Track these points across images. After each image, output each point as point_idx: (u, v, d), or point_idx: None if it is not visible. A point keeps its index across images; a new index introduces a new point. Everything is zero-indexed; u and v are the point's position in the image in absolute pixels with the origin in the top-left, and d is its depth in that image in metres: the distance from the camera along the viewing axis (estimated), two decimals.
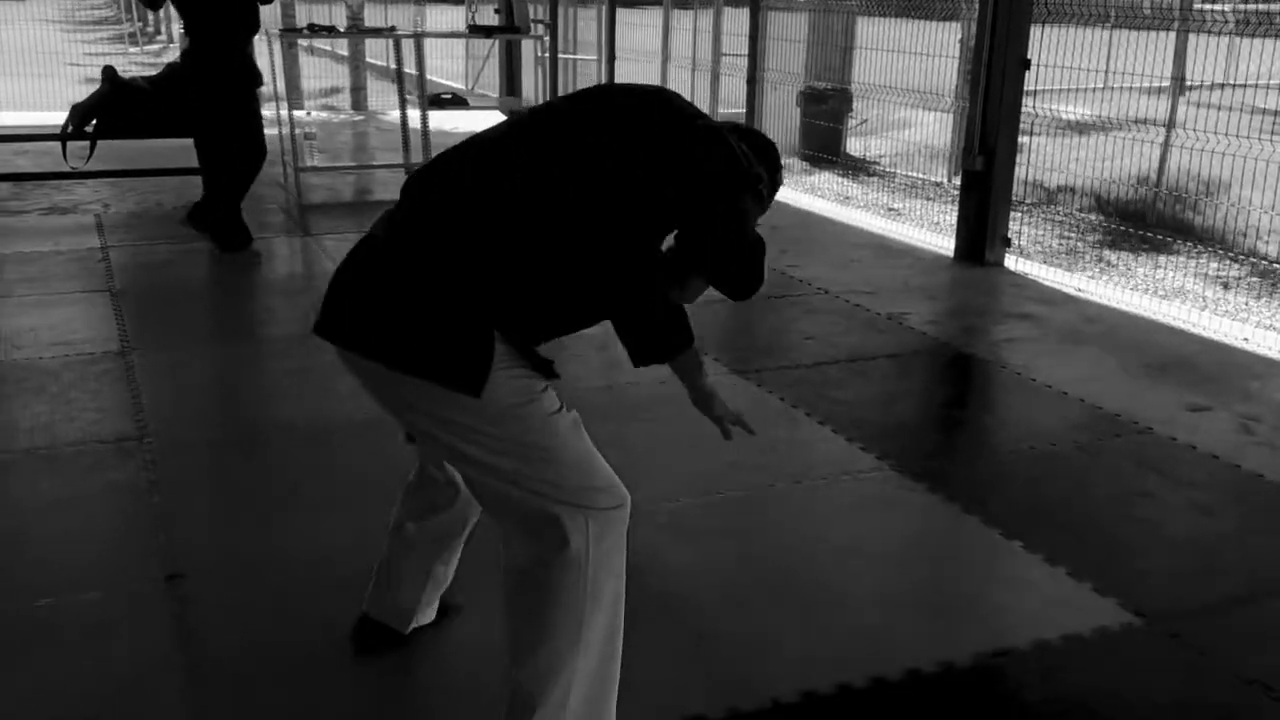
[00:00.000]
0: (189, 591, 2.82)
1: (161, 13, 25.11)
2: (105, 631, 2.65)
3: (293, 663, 2.54)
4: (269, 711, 2.38)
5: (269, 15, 7.24)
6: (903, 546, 3.24)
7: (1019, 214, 6.75)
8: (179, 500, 3.33)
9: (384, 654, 2.55)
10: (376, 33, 8.11)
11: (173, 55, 20.39)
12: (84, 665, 2.52)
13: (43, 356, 4.46)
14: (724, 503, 3.38)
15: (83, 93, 7.12)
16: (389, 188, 7.88)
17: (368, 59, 13.99)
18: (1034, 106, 6.58)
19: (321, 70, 15.32)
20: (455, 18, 18.48)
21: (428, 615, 2.62)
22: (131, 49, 22.48)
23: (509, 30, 8.20)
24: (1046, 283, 5.96)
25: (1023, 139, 6.57)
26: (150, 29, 26.97)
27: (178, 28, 23.10)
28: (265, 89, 6.41)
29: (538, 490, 2.02)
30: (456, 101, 7.85)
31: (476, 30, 8.08)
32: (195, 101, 6.08)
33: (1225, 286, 6.23)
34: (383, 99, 13.98)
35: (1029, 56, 6.14)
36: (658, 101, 2.06)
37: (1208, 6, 8.87)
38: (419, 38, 7.63)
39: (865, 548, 3.15)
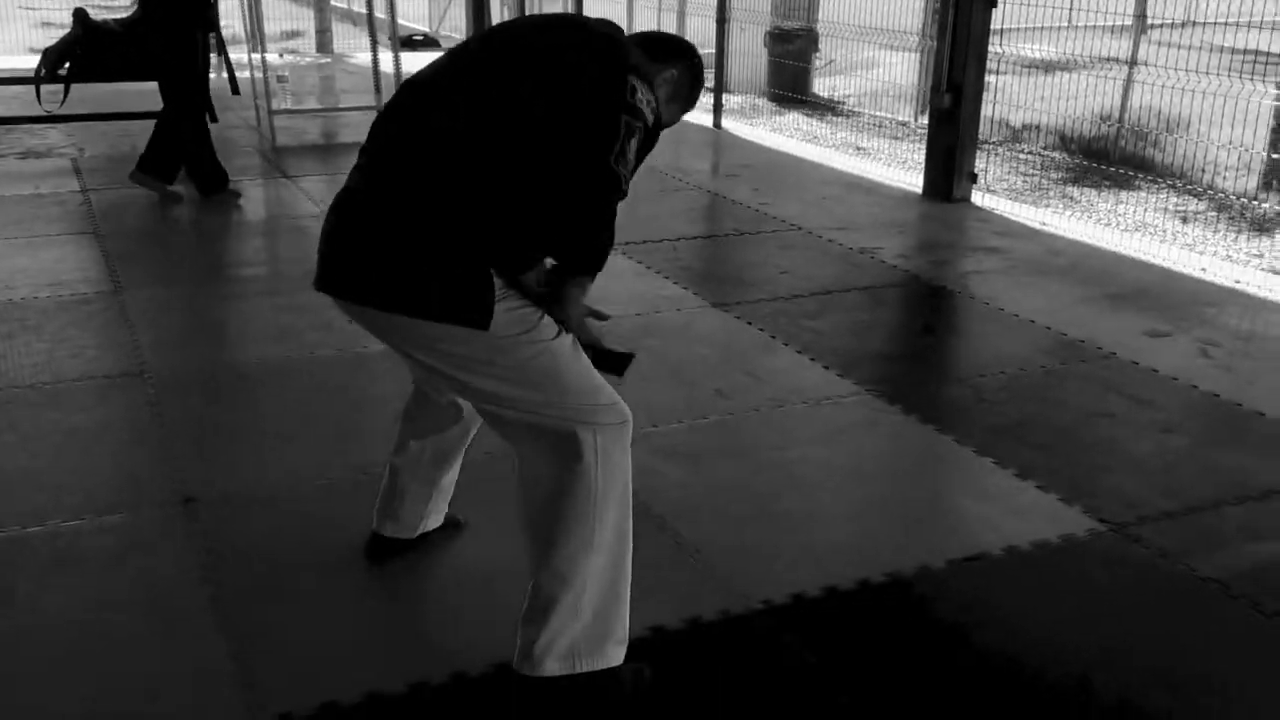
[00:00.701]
0: (206, 513, 2.95)
1: None
2: (133, 550, 2.79)
3: (313, 574, 2.69)
4: (296, 616, 2.53)
5: None
6: (882, 464, 3.42)
7: (984, 151, 6.91)
8: (185, 430, 3.45)
9: (397, 563, 2.70)
10: None
11: None
12: (116, 581, 2.66)
13: (38, 297, 4.53)
14: (710, 427, 3.53)
15: (38, 36, 7.09)
16: (361, 130, 7.87)
17: (331, 1, 13.85)
18: (1000, 45, 6.71)
19: (281, 13, 15.16)
20: None
21: (435, 521, 2.78)
22: None
23: None
24: (1012, 217, 6.13)
25: (988, 78, 6.70)
26: None
27: None
28: (231, 31, 6.40)
29: (547, 412, 2.16)
30: (428, 43, 7.88)
31: None
32: (157, 46, 6.06)
33: (1184, 220, 6.43)
34: (346, 41, 13.89)
35: None
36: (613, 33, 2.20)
37: None
38: None
39: (846, 465, 3.33)
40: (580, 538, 2.19)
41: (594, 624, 2.23)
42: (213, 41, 6.59)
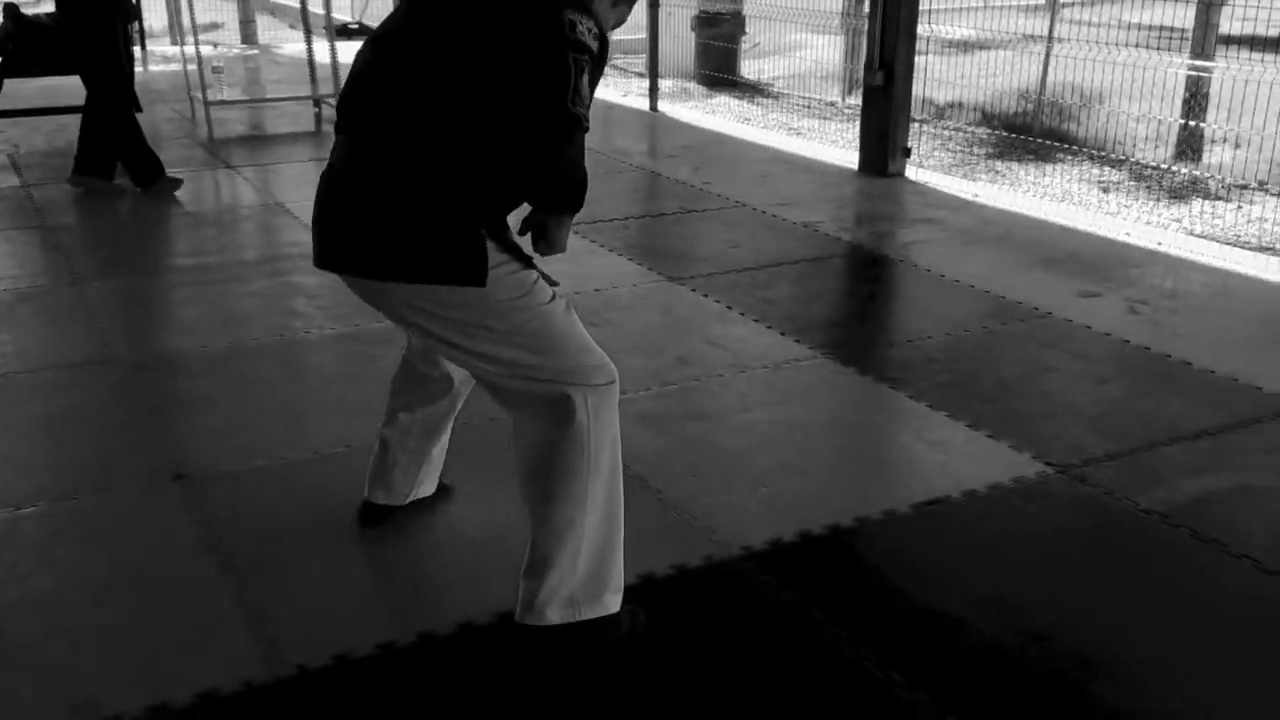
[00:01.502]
0: (199, 488, 3.03)
1: None
2: (131, 525, 2.86)
3: (313, 539, 2.79)
4: (302, 577, 2.63)
5: None
6: (843, 420, 3.60)
7: (912, 128, 7.13)
8: (164, 412, 3.51)
9: (391, 527, 2.82)
10: None
11: None
12: (119, 555, 2.73)
13: None
14: (678, 393, 3.68)
15: None
16: (297, 120, 7.93)
17: None
18: (929, 25, 6.94)
19: (199, 5, 14.96)
20: None
21: (427, 489, 2.89)
22: None
23: None
24: (945, 190, 6.37)
25: None
26: None
27: None
28: (149, 24, 6.35)
29: (541, 375, 2.28)
30: (362, 31, 7.89)
31: None
32: (77, 38, 5.97)
33: (1105, 191, 6.73)
34: (268, 33, 13.78)
35: None
36: None
37: None
38: None
39: (810, 423, 3.50)
40: (575, 494, 2.31)
41: (591, 575, 2.36)
42: (133, 33, 6.55)
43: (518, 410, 2.35)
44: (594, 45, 2.14)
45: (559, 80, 2.08)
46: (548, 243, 2.33)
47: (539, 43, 2.09)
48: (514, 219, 2.30)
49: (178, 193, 6.10)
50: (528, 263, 2.31)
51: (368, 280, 2.28)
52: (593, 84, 2.17)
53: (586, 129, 2.14)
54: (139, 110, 6.14)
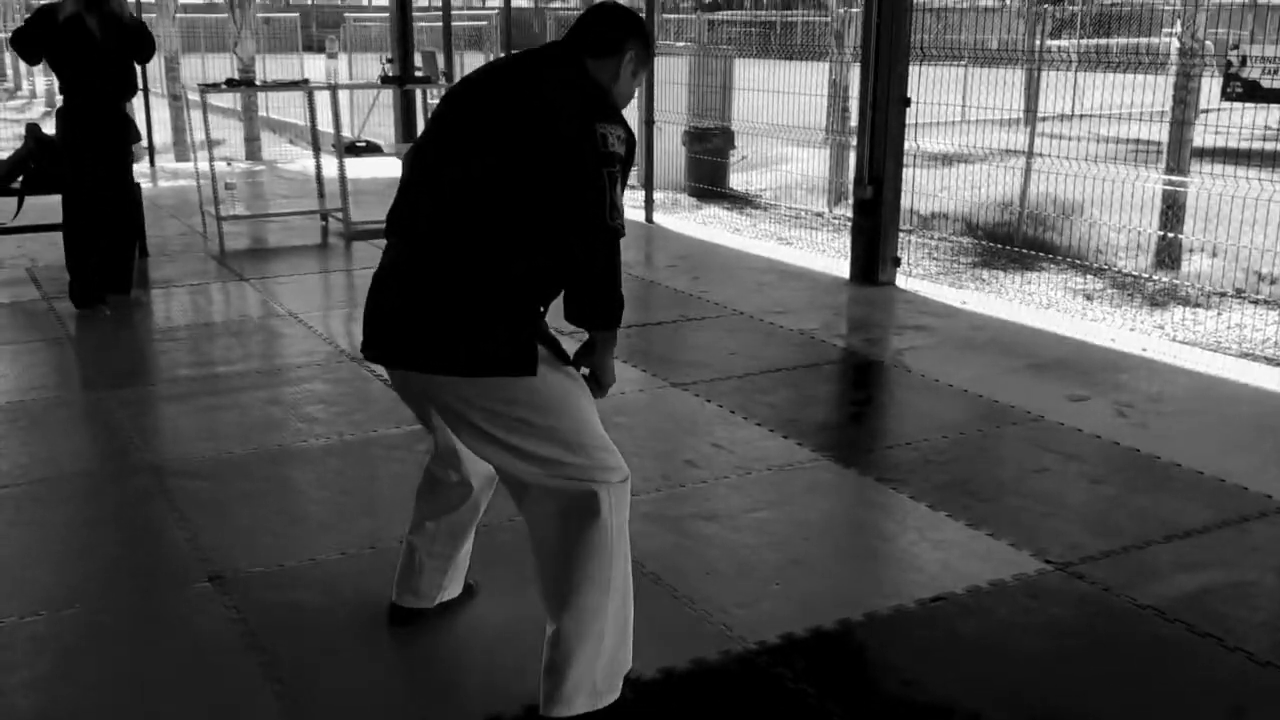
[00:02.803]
0: (231, 588, 3.15)
1: (24, 68, 24.76)
2: (171, 625, 2.98)
3: (347, 637, 2.91)
4: (339, 673, 2.75)
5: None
6: (846, 520, 3.74)
7: (900, 238, 7.37)
8: (195, 516, 3.62)
9: (421, 625, 2.93)
10: (293, 85, 8.40)
11: (35, 112, 20.08)
12: (161, 654, 2.84)
13: (23, 400, 4.68)
14: (687, 494, 3.83)
15: None
16: (308, 233, 8.16)
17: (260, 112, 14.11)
18: (914, 140, 7.25)
19: (199, 122, 15.35)
20: (318, 67, 19.06)
21: (453, 591, 3.01)
22: None
23: (422, 80, 8.58)
24: (934, 298, 6.59)
25: None
26: (10, 84, 26.67)
27: (41, 83, 22.71)
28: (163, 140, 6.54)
29: (571, 472, 2.44)
30: (370, 149, 8.19)
31: (389, 81, 8.46)
32: (66, 161, 6.09)
33: (1088, 298, 6.96)
34: (273, 148, 14.15)
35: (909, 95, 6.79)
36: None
37: (1053, 43, 9.80)
38: (334, 89, 7.95)
39: (815, 522, 3.64)
40: (599, 587, 2.46)
41: (611, 662, 2.51)
42: (137, 153, 6.75)
43: (540, 506, 2.48)
44: (622, 151, 2.32)
45: (596, 198, 2.27)
46: (599, 384, 2.52)
47: (575, 163, 2.28)
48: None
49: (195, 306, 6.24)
50: (567, 361, 2.49)
51: (417, 374, 2.44)
52: (623, 186, 2.35)
53: (623, 233, 2.31)
54: (144, 254, 6.18)
